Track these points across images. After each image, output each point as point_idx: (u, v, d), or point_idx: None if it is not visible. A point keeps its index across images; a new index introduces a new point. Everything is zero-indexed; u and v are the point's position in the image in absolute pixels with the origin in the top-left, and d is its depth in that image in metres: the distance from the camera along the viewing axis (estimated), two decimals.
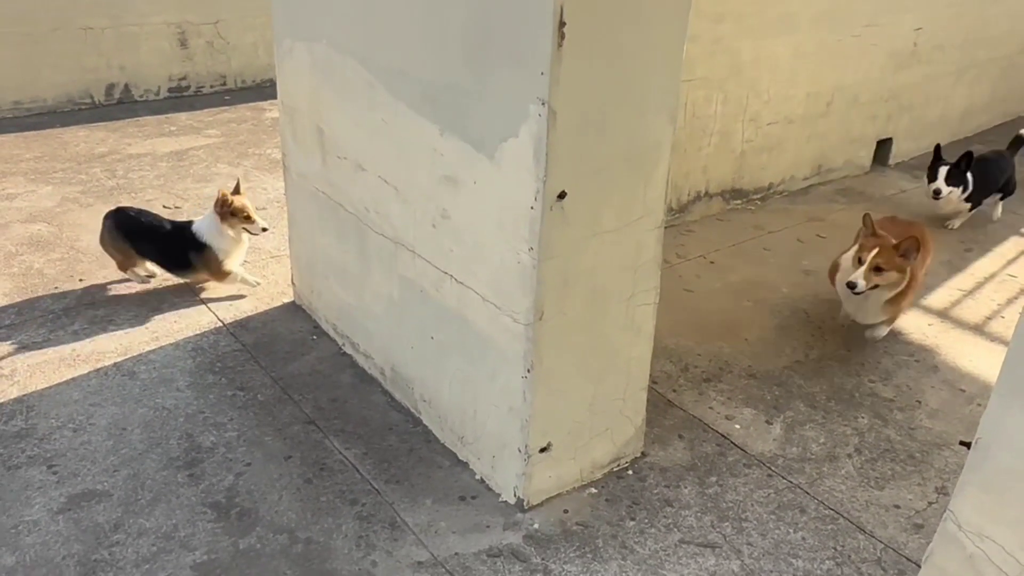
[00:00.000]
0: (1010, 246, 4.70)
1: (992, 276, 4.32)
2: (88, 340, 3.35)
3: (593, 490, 2.68)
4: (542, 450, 2.51)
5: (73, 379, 3.10)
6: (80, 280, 3.82)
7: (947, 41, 5.81)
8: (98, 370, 3.16)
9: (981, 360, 3.51)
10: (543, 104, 2.04)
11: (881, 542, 2.53)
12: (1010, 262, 4.50)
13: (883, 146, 5.75)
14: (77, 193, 4.79)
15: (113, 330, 3.43)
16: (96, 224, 3.79)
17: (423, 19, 2.40)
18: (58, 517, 2.47)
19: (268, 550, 2.40)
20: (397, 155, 2.67)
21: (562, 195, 2.16)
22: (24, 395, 3.00)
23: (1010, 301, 4.05)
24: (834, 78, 5.10)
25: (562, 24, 1.96)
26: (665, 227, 2.49)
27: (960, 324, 3.83)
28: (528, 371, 2.36)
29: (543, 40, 1.99)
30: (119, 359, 3.23)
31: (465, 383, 2.66)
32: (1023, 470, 1.49)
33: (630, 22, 2.11)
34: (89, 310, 3.57)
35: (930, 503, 2.70)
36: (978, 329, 3.80)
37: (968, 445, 1.61)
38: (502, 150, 2.21)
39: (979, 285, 4.22)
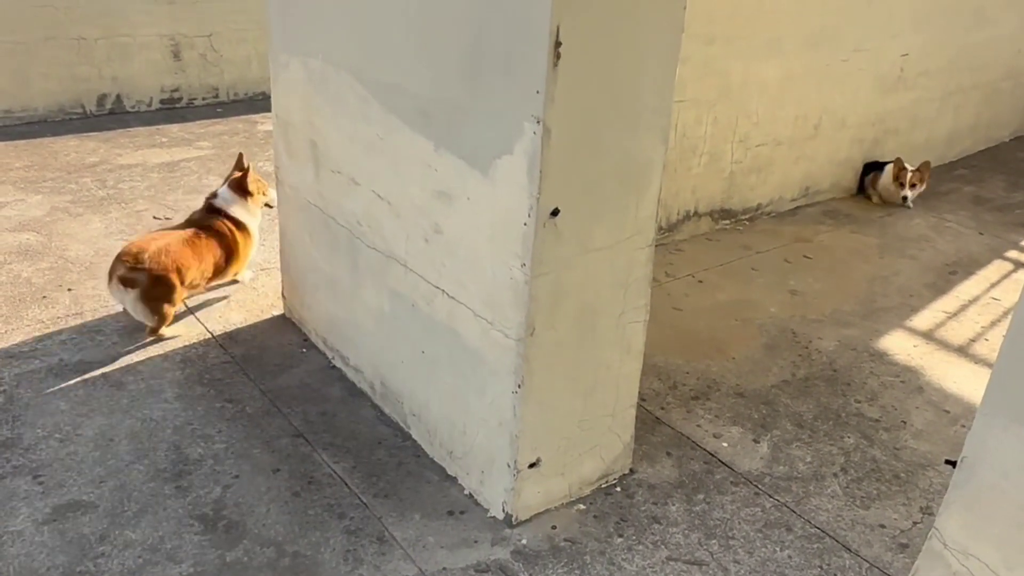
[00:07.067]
0: (994, 269, 4.76)
1: (976, 299, 4.37)
2: (76, 350, 3.33)
3: (581, 506, 2.69)
4: (531, 465, 2.52)
5: (60, 389, 3.09)
6: (69, 290, 3.80)
7: (932, 67, 5.91)
8: (85, 380, 3.15)
9: (965, 382, 3.55)
10: (538, 122, 2.06)
11: (867, 561, 2.54)
12: (993, 285, 4.55)
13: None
14: (67, 203, 4.78)
15: (101, 340, 3.42)
16: (86, 233, 3.77)
17: (419, 35, 2.42)
18: (43, 528, 2.45)
19: (255, 563, 2.39)
20: (391, 170, 2.69)
21: (555, 212, 2.18)
22: (10, 405, 2.98)
23: (994, 323, 4.10)
24: (822, 101, 5.17)
25: (558, 44, 1.99)
26: (655, 246, 2.52)
27: (945, 346, 3.87)
28: (518, 386, 2.37)
29: (539, 58, 2.01)
30: (107, 369, 3.22)
31: (455, 397, 2.67)
32: (1006, 488, 1.51)
33: (624, 42, 2.14)
34: (77, 320, 3.56)
35: (915, 523, 2.72)
36: (962, 351, 3.84)
37: (953, 464, 1.63)
38: (496, 166, 2.23)
39: (963, 307, 4.27)
